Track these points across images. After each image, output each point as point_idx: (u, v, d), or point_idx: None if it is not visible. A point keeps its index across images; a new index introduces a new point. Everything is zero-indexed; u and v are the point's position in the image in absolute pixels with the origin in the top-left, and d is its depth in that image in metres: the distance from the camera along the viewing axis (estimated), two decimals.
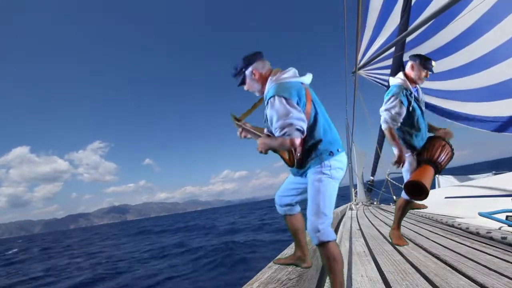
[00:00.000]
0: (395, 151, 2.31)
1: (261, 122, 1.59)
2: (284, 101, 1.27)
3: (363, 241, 2.86)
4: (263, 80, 1.48)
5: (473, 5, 4.33)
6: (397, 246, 2.36)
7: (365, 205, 9.31)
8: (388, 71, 6.70)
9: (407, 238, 2.60)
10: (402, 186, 2.31)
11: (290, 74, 1.42)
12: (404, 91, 2.30)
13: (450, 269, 1.59)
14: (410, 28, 4.64)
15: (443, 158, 2.20)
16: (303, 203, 1.56)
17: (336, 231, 3.93)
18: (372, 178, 9.81)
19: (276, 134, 1.30)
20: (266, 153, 1.39)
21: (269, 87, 1.41)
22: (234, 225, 19.70)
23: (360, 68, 7.96)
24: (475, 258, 1.74)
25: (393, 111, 2.27)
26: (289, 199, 1.57)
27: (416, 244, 2.37)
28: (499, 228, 2.34)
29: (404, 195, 2.39)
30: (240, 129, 1.59)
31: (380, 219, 4.73)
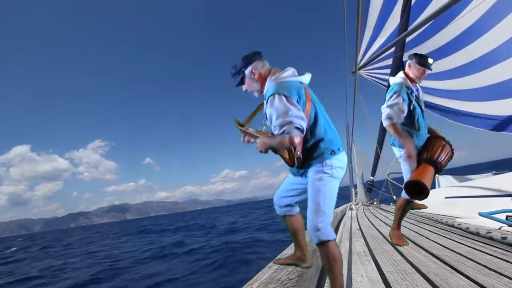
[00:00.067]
0: (404, 145, 2.28)
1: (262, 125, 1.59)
2: (284, 99, 1.27)
3: (363, 241, 2.86)
4: (262, 79, 1.49)
5: (473, 5, 4.34)
6: (397, 246, 2.36)
7: (365, 205, 9.31)
8: (388, 71, 6.70)
9: (407, 238, 2.60)
10: (402, 186, 2.31)
11: (289, 73, 1.43)
12: (405, 89, 2.32)
13: (450, 269, 1.59)
14: (410, 28, 4.65)
15: (443, 158, 2.21)
16: (302, 204, 1.56)
17: (336, 231, 3.93)
18: (372, 178, 9.81)
19: (275, 132, 1.29)
20: (266, 152, 1.38)
21: (269, 86, 1.41)
22: (234, 225, 19.64)
23: (360, 68, 7.96)
24: (475, 258, 1.74)
25: (396, 107, 2.27)
26: (288, 200, 1.56)
27: (416, 244, 2.37)
28: (499, 228, 2.34)
29: (404, 194, 2.39)
30: (243, 134, 1.59)
31: (380, 219, 4.73)
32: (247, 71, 1.50)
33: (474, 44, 4.91)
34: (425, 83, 6.08)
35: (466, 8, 4.49)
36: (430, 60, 2.37)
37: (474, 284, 1.31)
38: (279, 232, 12.21)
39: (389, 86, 2.51)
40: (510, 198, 2.83)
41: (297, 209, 1.60)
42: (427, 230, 3.08)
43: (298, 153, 1.34)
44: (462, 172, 6.68)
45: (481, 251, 1.91)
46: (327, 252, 1.25)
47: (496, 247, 1.96)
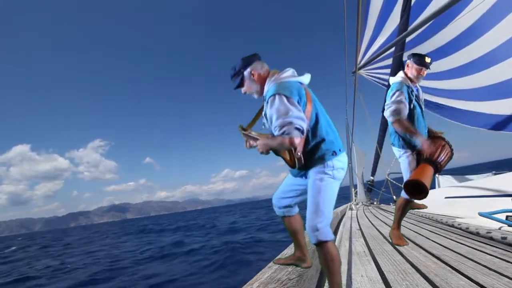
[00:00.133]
0: (415, 138, 2.25)
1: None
2: (284, 99, 1.26)
3: (363, 241, 2.86)
4: (262, 81, 1.48)
5: (473, 5, 4.34)
6: (397, 246, 2.36)
7: (365, 205, 9.31)
8: (388, 71, 6.70)
9: (407, 238, 2.60)
10: (402, 186, 2.31)
11: (289, 73, 1.42)
12: (406, 88, 2.33)
13: (450, 269, 1.59)
14: (410, 28, 4.65)
15: (442, 158, 2.21)
16: (302, 204, 1.55)
17: (336, 231, 3.93)
18: (372, 178, 9.81)
19: (276, 133, 1.28)
20: (267, 153, 1.38)
21: (269, 87, 1.40)
22: (234, 225, 19.60)
23: (360, 68, 7.96)
24: (475, 258, 1.74)
25: (400, 104, 2.26)
26: (288, 201, 1.56)
27: (416, 244, 2.37)
28: (499, 228, 2.34)
29: (404, 194, 2.39)
30: (248, 139, 1.58)
31: (380, 219, 4.73)
32: (246, 72, 1.50)
33: (474, 44, 4.91)
34: (426, 83, 6.09)
35: (466, 8, 4.49)
36: (428, 60, 2.37)
37: (474, 284, 1.31)
38: (279, 232, 12.18)
39: (389, 86, 2.52)
40: (510, 198, 2.83)
41: (296, 209, 1.60)
42: (427, 230, 3.08)
43: (299, 154, 1.33)
44: (462, 172, 6.67)
45: (481, 251, 1.91)
46: (325, 253, 1.25)
47: (496, 247, 1.96)
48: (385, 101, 2.54)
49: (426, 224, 3.56)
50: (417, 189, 2.09)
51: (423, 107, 2.45)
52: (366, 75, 8.44)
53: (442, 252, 1.98)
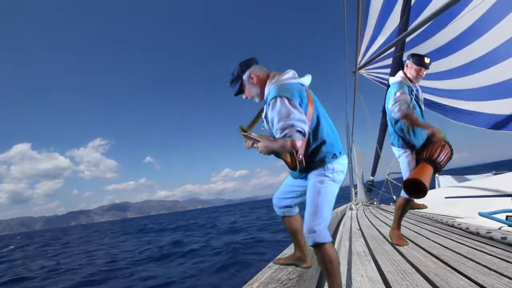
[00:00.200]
0: (425, 128, 2.24)
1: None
2: (286, 101, 1.26)
3: (363, 241, 2.86)
4: (262, 83, 1.47)
5: (472, 5, 4.34)
6: (397, 246, 2.36)
7: (365, 205, 9.31)
8: (389, 70, 6.70)
9: (407, 238, 2.60)
10: (401, 185, 2.32)
11: (290, 75, 1.41)
12: (406, 86, 2.33)
13: (450, 269, 1.59)
14: (409, 28, 4.65)
15: (442, 157, 2.21)
16: (302, 205, 1.55)
17: (336, 231, 3.93)
18: (372, 178, 9.81)
19: (277, 135, 1.27)
20: (268, 154, 1.38)
21: (270, 89, 1.39)
22: (235, 225, 19.53)
23: (360, 68, 7.96)
24: (475, 258, 1.74)
25: (406, 100, 2.26)
26: (288, 201, 1.56)
27: (416, 244, 2.37)
28: (499, 228, 2.34)
29: (403, 194, 2.40)
30: (247, 140, 1.58)
31: (380, 219, 4.73)
32: (245, 76, 1.49)
33: (474, 44, 4.91)
34: (426, 83, 6.09)
35: (466, 8, 4.49)
36: (427, 60, 2.37)
37: (474, 284, 1.31)
38: (280, 232, 12.12)
39: (389, 86, 2.53)
40: (510, 198, 2.83)
41: (296, 209, 1.60)
42: (427, 230, 3.08)
43: (300, 156, 1.32)
44: (463, 173, 6.66)
45: (481, 251, 1.91)
46: (323, 255, 1.24)
47: (496, 247, 1.96)
48: (385, 101, 2.54)
49: (426, 224, 3.56)
50: (416, 188, 2.10)
51: (422, 107, 2.46)
52: (367, 74, 8.44)
53: (442, 252, 1.99)
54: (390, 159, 8.27)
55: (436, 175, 6.51)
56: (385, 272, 1.67)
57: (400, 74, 2.48)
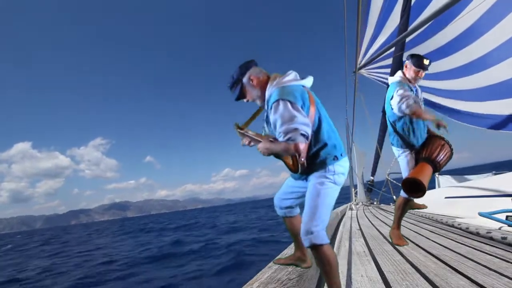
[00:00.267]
0: (431, 119, 2.20)
1: (259, 128, 1.58)
2: (289, 105, 1.25)
3: (363, 241, 2.86)
4: (262, 85, 1.46)
5: (473, 5, 4.33)
6: (397, 246, 2.36)
7: (365, 205, 9.32)
8: (389, 70, 6.70)
9: (407, 238, 2.60)
10: (401, 185, 2.32)
11: (292, 77, 1.40)
12: (406, 85, 2.34)
13: (450, 269, 1.59)
14: (409, 28, 4.64)
15: (442, 157, 2.21)
16: (303, 205, 1.55)
17: (336, 231, 3.94)
18: (372, 178, 9.82)
19: (280, 139, 1.26)
20: (269, 155, 1.38)
21: (271, 91, 1.38)
22: (236, 224, 19.48)
23: (360, 68, 7.95)
24: (475, 258, 1.74)
25: (409, 96, 2.24)
26: (289, 202, 1.56)
27: (416, 244, 2.37)
28: (499, 228, 2.34)
29: (403, 193, 2.40)
30: (243, 138, 1.58)
31: (380, 219, 4.73)
32: (245, 79, 1.48)
33: (474, 44, 4.91)
34: (427, 83, 6.09)
35: (466, 9, 4.49)
36: (426, 61, 2.35)
37: (474, 284, 1.31)
38: (281, 232, 12.06)
39: (388, 86, 2.53)
40: (510, 198, 2.83)
41: (297, 210, 1.60)
42: (427, 230, 3.08)
43: (303, 159, 1.31)
44: (463, 173, 6.64)
45: (481, 251, 1.91)
46: (321, 256, 1.24)
47: (496, 247, 1.96)
48: (384, 101, 2.54)
49: (426, 224, 3.56)
50: (415, 188, 2.10)
51: (422, 106, 2.46)
52: (368, 74, 8.43)
53: (442, 252, 1.99)
54: (390, 159, 8.27)
55: (436, 175, 6.52)
56: (385, 272, 1.68)
57: (399, 74, 2.48)
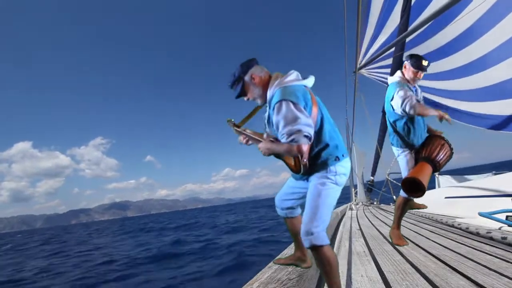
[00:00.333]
0: (435, 114, 2.20)
1: (258, 127, 1.58)
2: (292, 105, 1.24)
3: (363, 241, 2.86)
4: (263, 84, 1.45)
5: (473, 5, 4.33)
6: (397, 246, 2.36)
7: (365, 205, 9.32)
8: (389, 70, 6.70)
9: (407, 238, 2.61)
10: (400, 184, 2.32)
11: (293, 77, 1.38)
12: (405, 86, 2.34)
13: (450, 269, 1.59)
14: (410, 28, 4.64)
15: (441, 157, 2.21)
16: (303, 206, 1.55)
17: (336, 231, 3.94)
18: (372, 178, 9.82)
19: (283, 140, 1.26)
20: (269, 156, 1.37)
21: (273, 91, 1.37)
22: (236, 224, 19.40)
23: (360, 68, 7.96)
24: (475, 258, 1.74)
25: (410, 97, 2.23)
26: (290, 203, 1.56)
27: (416, 244, 2.37)
28: (499, 228, 2.34)
29: (402, 193, 2.40)
30: (242, 136, 1.56)
31: (380, 219, 4.74)
32: (246, 77, 1.46)
33: (474, 44, 4.91)
34: (427, 83, 6.09)
35: (466, 9, 4.48)
36: (425, 62, 2.35)
37: (474, 284, 1.32)
38: (281, 232, 12.01)
39: (388, 86, 2.53)
40: (510, 198, 2.83)
41: (298, 211, 1.60)
42: (427, 230, 3.08)
43: (305, 160, 1.31)
44: (463, 173, 6.63)
45: (481, 251, 1.91)
46: (321, 257, 1.23)
47: (496, 247, 1.96)
48: (384, 101, 2.54)
49: (426, 224, 3.56)
50: (415, 187, 2.09)
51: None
52: (368, 74, 8.42)
53: (442, 252, 1.99)
54: (390, 159, 8.27)
55: (436, 175, 6.52)
56: (385, 272, 1.68)
57: (398, 74, 2.48)
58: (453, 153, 2.29)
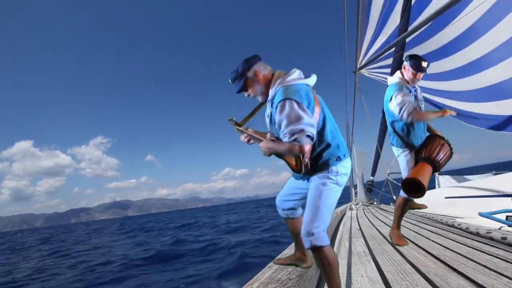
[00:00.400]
0: (437, 116, 2.23)
1: (259, 125, 1.57)
2: (295, 105, 1.22)
3: (363, 241, 2.86)
4: (266, 82, 1.43)
5: (473, 5, 4.32)
6: (397, 246, 2.36)
7: (365, 205, 9.32)
8: (389, 70, 6.69)
9: (407, 238, 2.61)
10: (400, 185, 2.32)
11: (296, 75, 1.37)
12: (404, 87, 2.33)
13: (450, 269, 1.59)
14: (410, 28, 4.64)
15: (441, 156, 2.20)
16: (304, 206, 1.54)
17: (336, 231, 3.94)
18: (372, 178, 9.81)
19: (285, 139, 1.25)
20: (269, 155, 1.37)
21: (276, 90, 1.35)
22: (237, 224, 19.37)
23: (360, 68, 7.95)
24: (475, 258, 1.74)
25: (409, 102, 2.23)
26: (291, 204, 1.55)
27: (416, 244, 2.37)
28: (499, 228, 2.34)
29: (402, 193, 2.40)
30: (244, 135, 1.55)
31: (380, 219, 4.74)
32: (250, 73, 1.44)
33: (474, 45, 4.90)
34: (427, 83, 6.08)
35: (466, 9, 4.48)
36: (425, 64, 2.33)
37: (474, 284, 1.32)
38: (282, 232, 11.92)
39: (387, 86, 2.53)
40: (510, 198, 2.83)
41: (299, 211, 1.59)
42: (427, 230, 3.08)
43: (306, 160, 1.30)
44: (464, 174, 6.61)
45: (481, 251, 1.91)
46: (322, 258, 1.23)
47: (496, 247, 1.97)
48: (384, 102, 2.54)
49: (426, 224, 3.56)
50: (415, 188, 2.09)
51: (422, 107, 2.46)
52: (368, 73, 8.42)
53: (442, 252, 1.99)
54: (390, 159, 8.26)
55: (436, 175, 6.51)
56: (385, 272, 1.68)
57: (397, 75, 2.46)
58: (452, 153, 2.28)
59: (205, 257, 9.05)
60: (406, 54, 5.75)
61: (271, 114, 1.40)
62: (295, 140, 1.21)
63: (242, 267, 7.05)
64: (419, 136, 2.36)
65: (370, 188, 10.06)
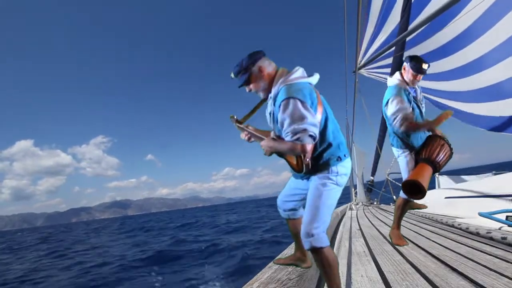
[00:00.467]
0: (429, 129, 2.26)
1: (260, 123, 1.56)
2: (299, 104, 1.21)
3: (363, 241, 2.86)
4: (270, 78, 1.40)
5: (472, 4, 4.32)
6: (397, 246, 2.36)
7: (365, 205, 9.32)
8: (389, 70, 6.69)
9: (407, 238, 2.60)
10: (401, 185, 2.31)
11: (299, 74, 1.35)
12: (403, 91, 2.32)
13: (450, 269, 1.59)
14: (410, 28, 4.65)
15: (441, 157, 2.20)
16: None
17: (336, 231, 3.94)
18: (372, 178, 9.81)
19: (287, 138, 1.24)
20: (270, 155, 1.36)
21: (279, 88, 1.34)
22: (237, 224, 19.30)
23: (360, 68, 7.95)
24: (475, 258, 1.74)
25: (403, 110, 2.24)
26: (292, 204, 1.55)
27: (416, 244, 2.37)
28: (499, 228, 2.34)
29: (402, 194, 2.40)
30: (244, 132, 1.54)
31: (380, 219, 4.73)
32: (254, 68, 1.40)
33: (473, 44, 4.90)
34: (427, 84, 6.08)
35: (465, 8, 4.47)
36: (425, 66, 2.32)
37: (474, 284, 1.31)
38: (283, 232, 11.87)
39: (387, 86, 2.52)
40: (510, 198, 2.83)
41: (300, 212, 1.58)
42: (427, 230, 3.08)
43: (308, 159, 1.29)
44: (464, 174, 6.60)
45: (481, 251, 1.91)
46: (322, 259, 1.23)
47: (496, 247, 1.96)
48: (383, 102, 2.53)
49: (426, 224, 3.56)
50: (415, 189, 2.09)
51: (422, 107, 2.45)
52: (368, 73, 8.41)
53: (442, 252, 1.99)
54: (390, 159, 8.26)
55: (436, 175, 6.51)
56: (385, 272, 1.67)
57: (397, 76, 2.45)
58: (453, 153, 2.28)
59: (205, 259, 8.80)
60: (406, 54, 5.76)
61: (273, 112, 1.38)
62: (297, 139, 1.20)
63: (244, 269, 6.84)
64: (419, 137, 2.35)
65: (370, 188, 10.06)
